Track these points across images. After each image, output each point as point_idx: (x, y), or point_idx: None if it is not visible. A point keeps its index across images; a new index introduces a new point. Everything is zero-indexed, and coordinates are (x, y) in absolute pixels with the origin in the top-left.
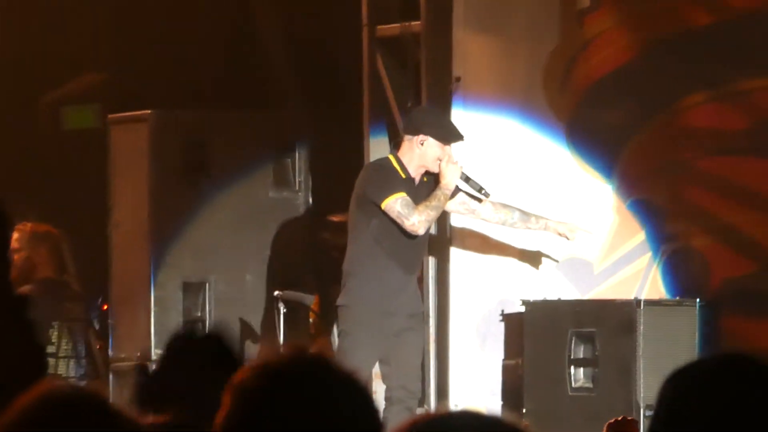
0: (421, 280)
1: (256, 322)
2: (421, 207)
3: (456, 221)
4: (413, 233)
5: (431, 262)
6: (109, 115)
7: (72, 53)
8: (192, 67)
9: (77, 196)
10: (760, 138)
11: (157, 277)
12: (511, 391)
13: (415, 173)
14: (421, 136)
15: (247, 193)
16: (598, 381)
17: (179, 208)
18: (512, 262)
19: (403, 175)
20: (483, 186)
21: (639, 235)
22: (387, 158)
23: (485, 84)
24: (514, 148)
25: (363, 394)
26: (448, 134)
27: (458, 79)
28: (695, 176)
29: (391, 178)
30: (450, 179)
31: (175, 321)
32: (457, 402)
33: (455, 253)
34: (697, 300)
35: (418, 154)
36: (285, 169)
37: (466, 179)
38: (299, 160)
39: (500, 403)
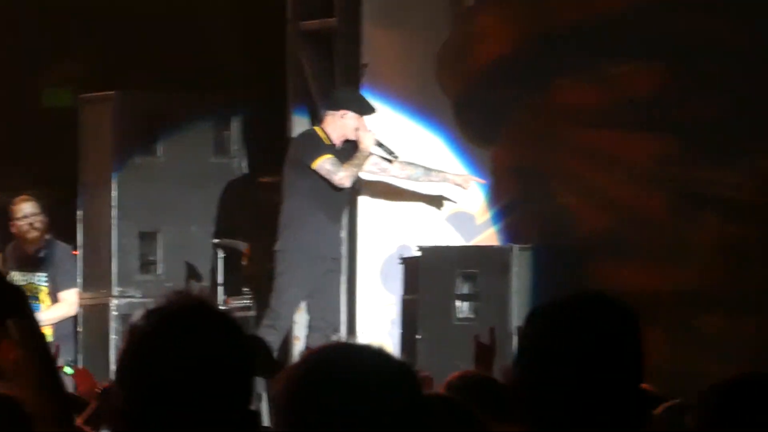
0: None
1: (200, 265)
2: (346, 165)
3: (365, 177)
4: (341, 186)
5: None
6: (80, 96)
7: (53, 37)
8: (155, 53)
9: (55, 164)
10: (618, 114)
11: (118, 227)
12: (409, 322)
13: (337, 141)
14: (342, 111)
15: (192, 159)
16: (478, 312)
17: (137, 172)
18: (410, 214)
19: (328, 143)
20: (392, 150)
21: (514, 192)
22: (313, 129)
23: (389, 69)
24: (410, 139)
25: (237, 332)
26: (364, 108)
27: (366, 65)
28: (563, 145)
29: (319, 144)
30: (367, 144)
31: (134, 264)
32: (363, 330)
33: (363, 206)
34: (563, 246)
35: (340, 125)
36: (223, 139)
37: (379, 144)
38: (235, 131)
39: (399, 331)
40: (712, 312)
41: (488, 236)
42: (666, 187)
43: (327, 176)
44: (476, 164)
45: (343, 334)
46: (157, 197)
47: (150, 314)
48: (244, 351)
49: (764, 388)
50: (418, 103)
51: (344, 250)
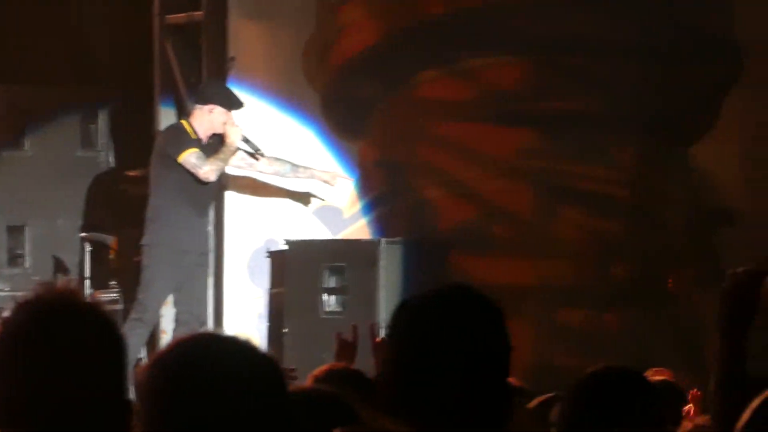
0: None
1: (68, 258)
2: (211, 159)
3: (231, 172)
4: (206, 180)
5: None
6: None
7: None
8: (18, 45)
9: None
10: (482, 107)
11: None
12: (275, 315)
13: (204, 135)
14: (210, 105)
15: (59, 153)
16: (346, 306)
17: (4, 166)
18: (277, 208)
19: (194, 137)
20: (259, 147)
21: (381, 187)
22: (180, 123)
23: (255, 63)
24: (274, 128)
25: (105, 322)
26: (232, 102)
27: (233, 59)
28: (428, 138)
29: (185, 138)
30: (233, 139)
31: (1, 257)
32: (231, 324)
33: (230, 200)
34: (429, 240)
35: (208, 119)
36: (90, 133)
37: (246, 140)
38: (102, 125)
39: (266, 324)
40: (576, 306)
41: (356, 230)
42: (530, 181)
43: (192, 170)
44: (346, 157)
45: (210, 327)
46: (24, 191)
47: (19, 308)
48: (113, 341)
49: (626, 381)
50: (286, 97)
51: (211, 243)
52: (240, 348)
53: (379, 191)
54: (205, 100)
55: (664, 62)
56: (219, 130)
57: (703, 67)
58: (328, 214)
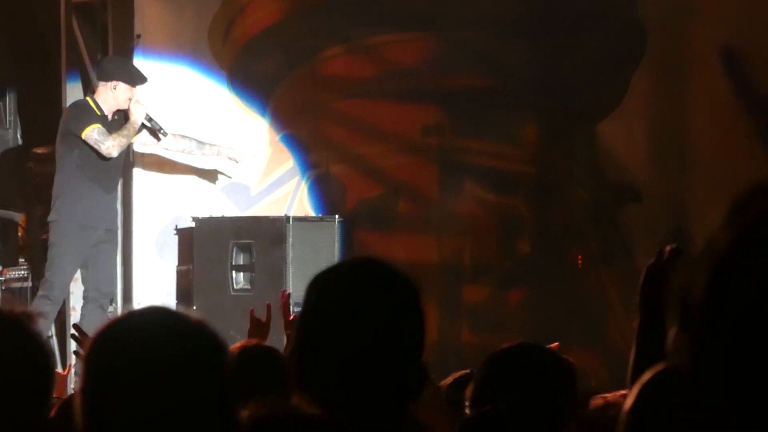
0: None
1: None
2: (114, 135)
3: (138, 149)
4: (108, 156)
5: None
6: None
7: None
8: None
9: None
10: (383, 84)
11: None
12: (184, 292)
13: (108, 112)
14: (113, 82)
15: None
16: (255, 283)
17: None
18: (185, 185)
19: (99, 113)
20: (162, 126)
21: (288, 163)
22: (85, 99)
23: (161, 40)
24: (186, 90)
25: (26, 332)
26: (135, 78)
27: (139, 36)
28: (332, 115)
29: (88, 114)
30: (137, 116)
31: None
32: (140, 301)
33: (138, 177)
34: (336, 216)
35: (112, 96)
36: None
37: (149, 119)
38: (9, 103)
39: (175, 302)
40: (479, 283)
41: (264, 207)
42: (433, 158)
43: (95, 146)
44: (252, 135)
45: (119, 305)
46: None
47: None
48: (35, 356)
49: (540, 357)
50: (191, 75)
51: (120, 221)
52: (178, 321)
53: (284, 168)
54: (107, 77)
55: (565, 39)
56: (123, 106)
57: (606, 44)
58: (236, 191)
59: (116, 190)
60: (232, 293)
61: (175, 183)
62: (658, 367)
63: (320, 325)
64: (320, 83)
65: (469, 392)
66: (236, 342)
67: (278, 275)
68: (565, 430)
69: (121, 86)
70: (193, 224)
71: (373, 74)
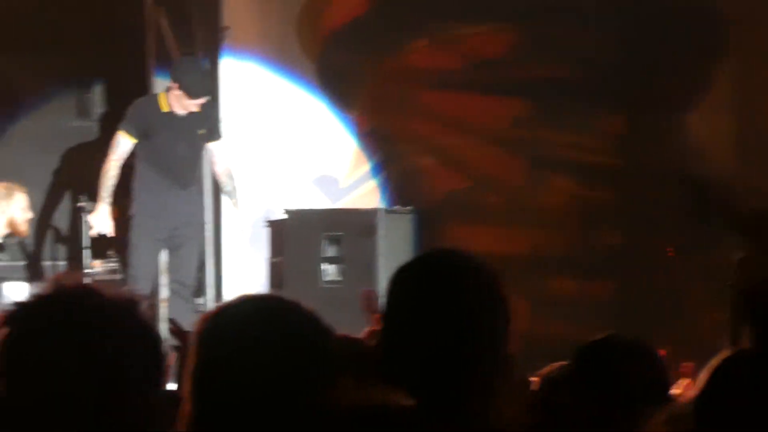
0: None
1: (65, 228)
2: (113, 167)
3: (229, 147)
4: (105, 162)
5: (207, 177)
6: None
7: None
8: (7, 16)
9: None
10: (470, 76)
11: None
12: (275, 284)
13: (180, 110)
14: (175, 86)
15: (54, 123)
16: (345, 275)
17: None
18: (276, 177)
19: (165, 109)
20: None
21: (376, 156)
22: (156, 94)
23: (248, 32)
24: (272, 94)
25: (122, 320)
26: (189, 92)
27: (227, 29)
28: (419, 107)
29: (139, 116)
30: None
31: None
32: (231, 293)
33: None
34: (423, 209)
35: (180, 95)
36: (85, 103)
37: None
38: (96, 95)
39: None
40: (566, 274)
41: (353, 199)
42: (519, 150)
43: (110, 148)
44: (342, 127)
45: (210, 297)
46: (20, 162)
47: (36, 304)
48: (143, 336)
49: (624, 349)
50: (282, 66)
51: (210, 213)
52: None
53: (376, 160)
54: (172, 78)
55: (650, 30)
56: (190, 108)
57: (690, 36)
58: (326, 183)
59: (193, 184)
60: (322, 285)
61: (266, 175)
62: (725, 354)
63: (404, 317)
64: (406, 75)
65: (560, 385)
66: None
67: (368, 267)
68: (651, 422)
69: (180, 93)
70: (284, 216)
71: (458, 66)
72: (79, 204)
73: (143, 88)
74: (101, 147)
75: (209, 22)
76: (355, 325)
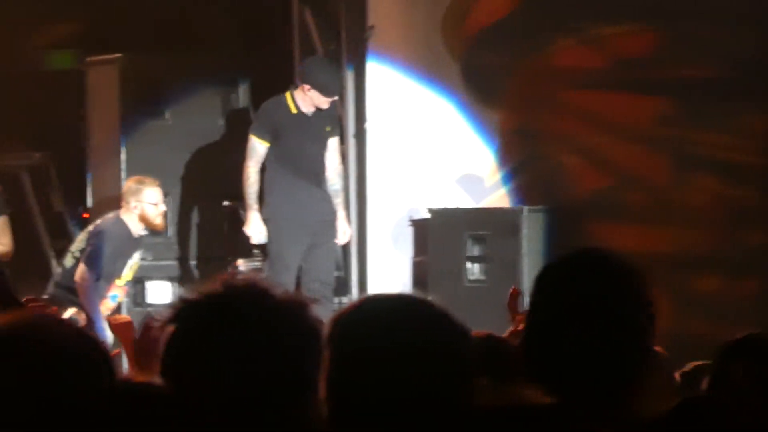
0: (345, 194)
1: (210, 227)
2: (253, 172)
3: (371, 147)
4: (243, 169)
5: (352, 179)
6: (87, 58)
7: (54, 3)
8: (155, 16)
9: (60, 123)
10: (614, 75)
11: None
12: (419, 283)
13: (307, 109)
14: (306, 86)
15: (200, 122)
16: (489, 274)
17: (145, 136)
18: (419, 176)
19: (294, 110)
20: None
21: (520, 155)
22: (284, 95)
23: (394, 31)
24: (416, 93)
25: (296, 320)
26: (326, 89)
27: (371, 27)
28: (563, 106)
29: (270, 119)
30: (253, 234)
31: None
32: (375, 291)
33: (372, 169)
34: (567, 208)
35: (308, 96)
36: (229, 100)
37: None
38: (242, 93)
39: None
40: (711, 273)
41: (497, 198)
42: (664, 149)
43: (246, 153)
44: (485, 128)
45: (355, 297)
46: (165, 160)
47: (203, 303)
48: (306, 334)
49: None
50: (426, 66)
51: (354, 212)
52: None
53: (518, 159)
54: (302, 79)
55: None
56: (322, 106)
57: None
58: (470, 182)
59: (323, 182)
60: (467, 284)
61: (409, 175)
62: None
63: (549, 315)
64: (551, 74)
65: (705, 383)
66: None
67: (513, 266)
68: None
69: (314, 92)
70: (427, 215)
71: (603, 65)
72: (224, 203)
73: (288, 87)
74: (244, 145)
75: (355, 20)
76: (499, 324)
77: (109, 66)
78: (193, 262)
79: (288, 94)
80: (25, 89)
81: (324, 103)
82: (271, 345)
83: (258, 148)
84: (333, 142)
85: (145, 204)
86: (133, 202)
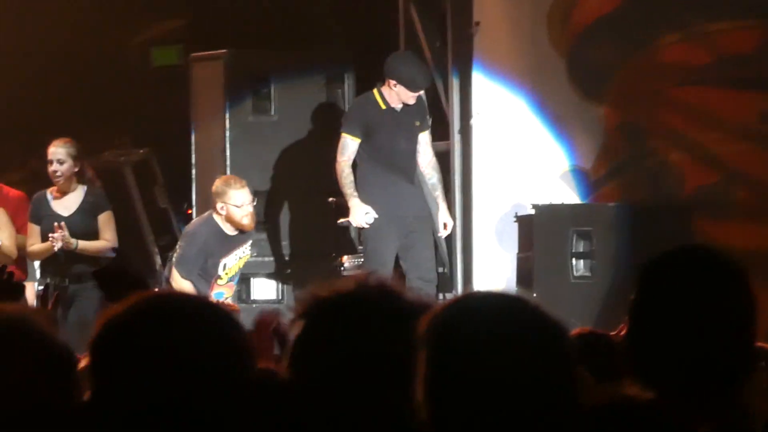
0: (449, 191)
1: (314, 224)
2: (346, 166)
3: (476, 143)
4: (336, 165)
5: (457, 175)
6: (191, 54)
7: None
8: (258, 12)
9: (164, 119)
10: (720, 71)
11: None
12: (524, 279)
13: (396, 104)
14: (392, 81)
15: (304, 118)
16: (595, 271)
17: (249, 132)
18: (524, 172)
19: (383, 106)
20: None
21: (625, 152)
22: (371, 92)
23: (499, 27)
24: (522, 99)
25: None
26: (412, 84)
27: (477, 23)
28: (669, 102)
29: (360, 116)
30: (356, 218)
31: None
32: (480, 288)
33: (477, 165)
34: (671, 203)
35: (395, 92)
36: (335, 96)
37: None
38: (348, 89)
39: (515, 289)
40: None
41: (602, 193)
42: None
43: (338, 149)
44: (590, 123)
45: (459, 293)
46: (270, 157)
47: (339, 301)
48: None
49: None
50: (531, 62)
51: (459, 209)
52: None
53: (624, 155)
54: (388, 74)
55: None
56: (408, 101)
57: None
58: (575, 178)
59: (416, 179)
60: (572, 280)
61: (514, 171)
62: None
63: (653, 312)
64: (657, 70)
65: None
66: (575, 329)
67: (618, 263)
68: None
69: (400, 87)
70: (532, 211)
71: (710, 61)
72: (330, 199)
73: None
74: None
75: (460, 17)
76: (605, 319)
77: (215, 62)
78: (297, 259)
79: (375, 91)
80: (130, 85)
81: (410, 98)
82: (399, 345)
83: (350, 144)
84: (424, 137)
85: (230, 206)
86: (219, 203)
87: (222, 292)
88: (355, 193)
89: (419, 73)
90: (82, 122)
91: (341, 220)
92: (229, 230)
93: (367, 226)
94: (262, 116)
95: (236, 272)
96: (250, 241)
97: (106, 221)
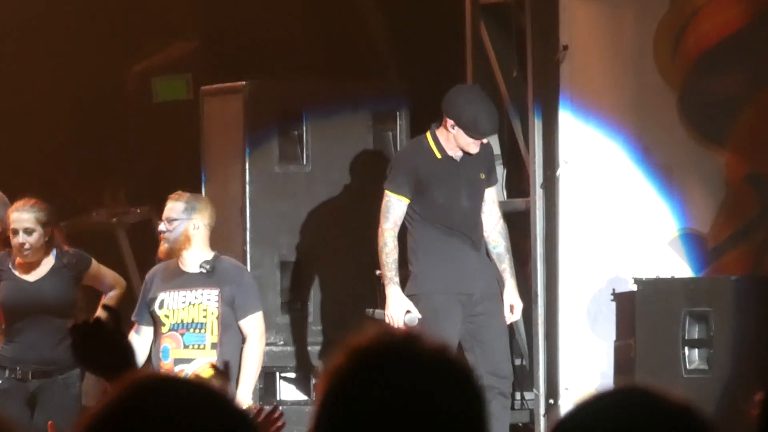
0: (528, 261)
1: (355, 302)
2: (391, 237)
3: (564, 199)
4: (378, 234)
5: (539, 240)
6: (203, 87)
7: (161, 21)
8: (285, 35)
9: (168, 168)
10: None
11: (251, 255)
12: (623, 374)
13: (453, 152)
14: (450, 121)
15: (345, 166)
16: (713, 363)
17: (276, 184)
18: (623, 239)
19: (439, 155)
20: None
21: (754, 209)
22: (424, 136)
23: (592, 53)
24: (623, 145)
25: (455, 369)
26: (473, 127)
27: (565, 48)
28: None
29: (408, 168)
30: (394, 314)
31: (273, 301)
32: (567, 385)
33: (564, 232)
34: None
35: (453, 135)
36: (384, 139)
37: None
38: (400, 131)
39: (612, 386)
40: None
41: (725, 264)
42: None
43: (382, 210)
44: (709, 173)
45: (541, 392)
46: (301, 215)
47: (353, 357)
48: (467, 396)
49: None
50: (633, 97)
51: (541, 285)
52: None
53: (752, 214)
54: (446, 111)
55: None
56: (468, 150)
57: None
58: (689, 244)
59: (483, 245)
60: (685, 375)
61: (611, 235)
62: None
63: None
64: None
65: None
66: None
67: (744, 352)
68: None
69: (459, 130)
70: (634, 287)
71: None
72: (378, 272)
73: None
74: None
75: (544, 38)
76: (726, 424)
77: (232, 96)
78: (333, 350)
79: (428, 135)
80: (125, 125)
81: (469, 145)
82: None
83: (395, 205)
84: (490, 193)
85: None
86: None
87: (167, 347)
88: (396, 279)
89: (484, 114)
90: (64, 172)
91: (371, 310)
92: (183, 264)
93: (401, 326)
94: (292, 165)
95: (191, 323)
96: (218, 291)
97: (97, 270)
